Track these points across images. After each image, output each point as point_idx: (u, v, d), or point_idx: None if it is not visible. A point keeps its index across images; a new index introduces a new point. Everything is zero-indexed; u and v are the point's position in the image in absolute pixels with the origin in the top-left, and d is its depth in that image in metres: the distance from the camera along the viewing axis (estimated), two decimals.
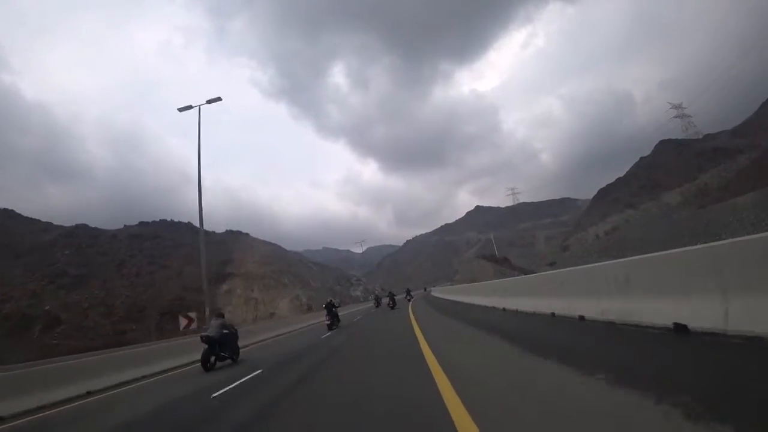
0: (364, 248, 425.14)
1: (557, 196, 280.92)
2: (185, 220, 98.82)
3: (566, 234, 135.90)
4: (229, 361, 11.19)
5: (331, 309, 19.01)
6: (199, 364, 10.53)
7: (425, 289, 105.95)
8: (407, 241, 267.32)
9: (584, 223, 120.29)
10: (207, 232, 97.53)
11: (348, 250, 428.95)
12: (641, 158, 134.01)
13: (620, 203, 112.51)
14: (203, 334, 10.94)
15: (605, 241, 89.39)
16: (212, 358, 10.47)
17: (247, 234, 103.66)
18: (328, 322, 18.57)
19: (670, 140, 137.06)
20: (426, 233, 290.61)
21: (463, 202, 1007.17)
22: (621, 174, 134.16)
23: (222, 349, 10.75)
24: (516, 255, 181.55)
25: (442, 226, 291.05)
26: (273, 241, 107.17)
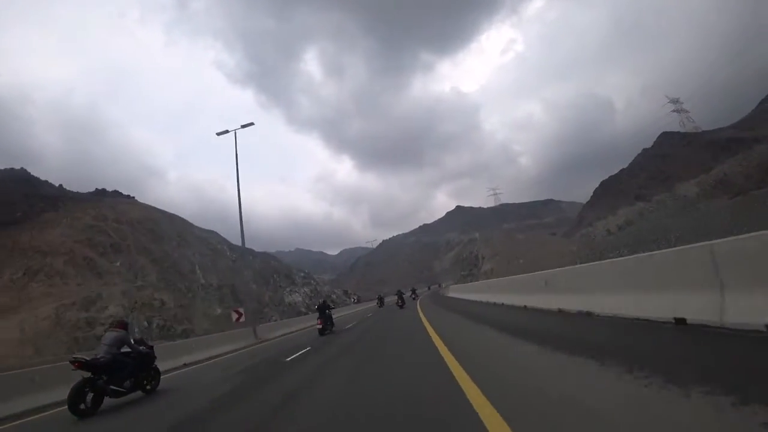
0: (339, 250, 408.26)
1: (540, 198, 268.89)
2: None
3: (568, 231, 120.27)
4: (132, 395, 7.26)
5: (324, 311, 16.75)
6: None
7: (428, 288, 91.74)
8: (383, 241, 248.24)
9: (588, 218, 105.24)
10: (38, 181, 64.52)
11: (322, 252, 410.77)
12: (644, 149, 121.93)
13: (628, 196, 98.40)
14: (77, 356, 6.87)
15: (622, 235, 74.09)
16: (89, 396, 6.37)
17: (131, 197, 74.24)
18: (320, 326, 16.09)
19: (673, 132, 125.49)
20: (403, 234, 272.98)
21: (441, 204, 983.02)
22: (607, 174, 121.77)
23: (114, 378, 6.76)
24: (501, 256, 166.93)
25: (420, 227, 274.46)
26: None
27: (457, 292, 33.55)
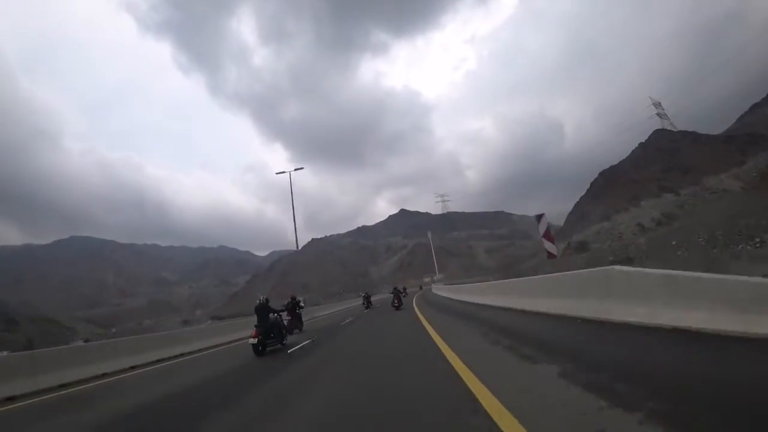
0: (268, 251, 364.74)
1: (490, 209, 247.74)
2: None
3: (566, 230, 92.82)
4: None
5: (265, 315, 10.10)
6: None
7: (421, 288, 70.19)
8: (313, 239, 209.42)
9: (594, 212, 78.72)
10: None
11: (248, 252, 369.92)
12: (641, 144, 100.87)
13: (645, 189, 73.53)
14: None
15: (672, 231, 47.21)
16: None
17: None
18: (254, 340, 9.38)
19: (666, 130, 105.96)
20: (338, 234, 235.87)
21: (383, 210, 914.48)
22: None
23: None
24: (457, 265, 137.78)
25: (358, 228, 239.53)
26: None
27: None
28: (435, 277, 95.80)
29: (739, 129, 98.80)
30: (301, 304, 16.30)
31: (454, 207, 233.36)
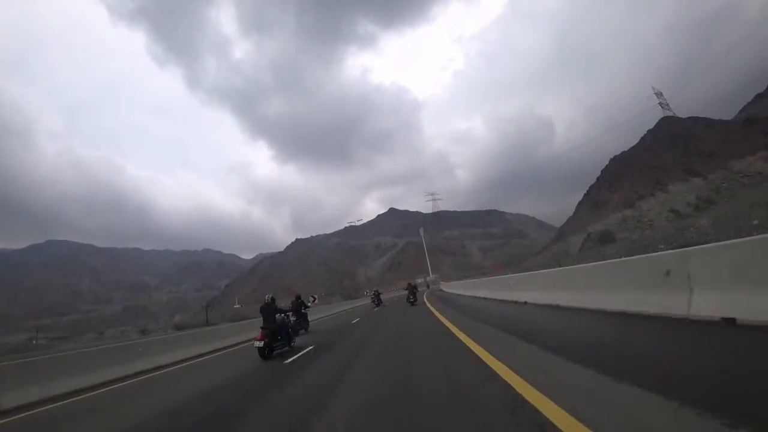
0: (254, 254, 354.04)
1: (482, 208, 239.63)
2: None
3: (577, 224, 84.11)
4: None
5: (271, 315, 9.37)
6: None
7: (428, 287, 67.57)
8: (297, 239, 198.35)
9: (613, 200, 70.28)
10: None
11: (234, 255, 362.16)
12: (649, 131, 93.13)
13: (668, 174, 65.61)
14: None
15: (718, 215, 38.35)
16: None
17: None
18: (260, 343, 8.58)
19: (673, 117, 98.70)
20: (324, 234, 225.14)
21: (371, 210, 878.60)
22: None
23: None
24: (451, 265, 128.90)
25: (346, 228, 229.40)
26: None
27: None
28: (428, 277, 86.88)
29: (745, 118, 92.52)
30: (308, 303, 15.62)
31: (446, 206, 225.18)
